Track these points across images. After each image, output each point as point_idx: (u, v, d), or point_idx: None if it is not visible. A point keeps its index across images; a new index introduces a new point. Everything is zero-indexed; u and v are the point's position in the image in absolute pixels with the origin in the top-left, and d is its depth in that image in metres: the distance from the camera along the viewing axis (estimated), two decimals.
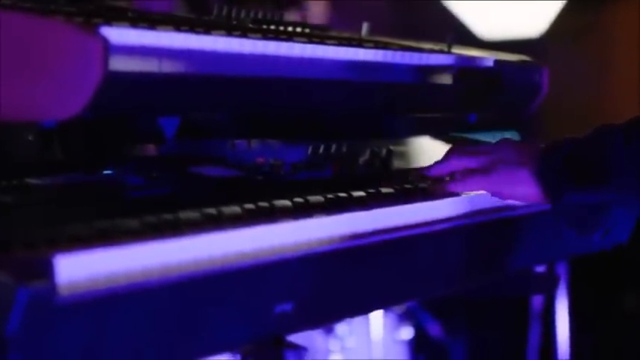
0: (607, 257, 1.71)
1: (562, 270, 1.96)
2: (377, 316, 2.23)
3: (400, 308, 2.33)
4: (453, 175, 1.39)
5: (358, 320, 2.18)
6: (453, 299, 2.43)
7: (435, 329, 2.51)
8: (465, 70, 1.63)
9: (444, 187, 1.36)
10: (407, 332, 2.36)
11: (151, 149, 1.37)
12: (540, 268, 1.93)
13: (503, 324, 2.51)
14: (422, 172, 1.40)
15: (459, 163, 1.39)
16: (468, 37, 3.49)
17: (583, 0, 3.65)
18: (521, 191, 1.35)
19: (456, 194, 1.35)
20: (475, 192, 1.37)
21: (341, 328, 2.15)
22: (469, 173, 1.36)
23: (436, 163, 1.40)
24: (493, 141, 1.44)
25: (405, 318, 2.36)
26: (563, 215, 1.33)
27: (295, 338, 1.44)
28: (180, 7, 2.60)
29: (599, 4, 3.71)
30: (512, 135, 1.86)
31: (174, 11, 2.00)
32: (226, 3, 1.52)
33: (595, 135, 1.32)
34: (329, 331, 2.14)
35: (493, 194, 1.37)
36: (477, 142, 1.71)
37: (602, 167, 1.28)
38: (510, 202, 1.40)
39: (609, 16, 3.70)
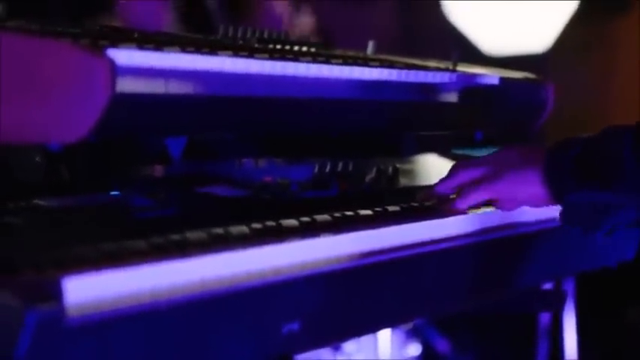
0: (614, 272, 1.71)
1: (569, 287, 1.95)
2: (385, 333, 2.22)
3: (408, 325, 2.32)
4: (459, 191, 1.38)
5: (366, 337, 2.18)
6: (460, 316, 2.42)
7: (442, 346, 2.51)
8: (471, 88, 1.63)
9: (450, 206, 1.36)
10: (415, 349, 2.36)
11: (158, 170, 1.37)
12: (547, 285, 1.93)
13: (511, 341, 2.51)
14: (429, 191, 1.40)
15: (465, 175, 1.38)
16: (473, 54, 3.50)
17: (588, 15, 3.66)
18: (527, 193, 1.34)
19: (463, 212, 1.35)
20: (482, 207, 1.37)
21: (349, 345, 2.14)
22: (473, 186, 1.36)
23: (443, 179, 1.40)
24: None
25: (412, 335, 2.36)
26: (568, 213, 1.31)
27: (303, 355, 1.44)
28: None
29: (603, 18, 3.72)
30: None
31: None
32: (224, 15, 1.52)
33: (603, 134, 1.30)
34: (337, 348, 2.13)
35: (499, 202, 1.37)
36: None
37: (610, 166, 1.27)
38: (516, 213, 1.39)
39: (614, 31, 3.71)
